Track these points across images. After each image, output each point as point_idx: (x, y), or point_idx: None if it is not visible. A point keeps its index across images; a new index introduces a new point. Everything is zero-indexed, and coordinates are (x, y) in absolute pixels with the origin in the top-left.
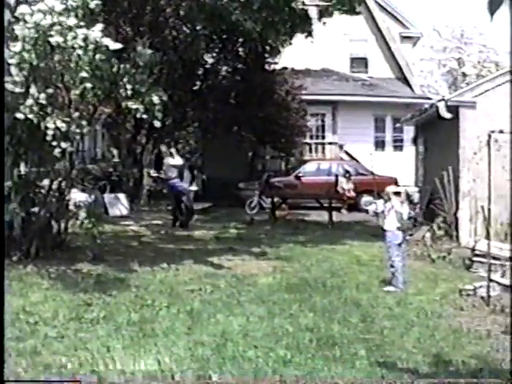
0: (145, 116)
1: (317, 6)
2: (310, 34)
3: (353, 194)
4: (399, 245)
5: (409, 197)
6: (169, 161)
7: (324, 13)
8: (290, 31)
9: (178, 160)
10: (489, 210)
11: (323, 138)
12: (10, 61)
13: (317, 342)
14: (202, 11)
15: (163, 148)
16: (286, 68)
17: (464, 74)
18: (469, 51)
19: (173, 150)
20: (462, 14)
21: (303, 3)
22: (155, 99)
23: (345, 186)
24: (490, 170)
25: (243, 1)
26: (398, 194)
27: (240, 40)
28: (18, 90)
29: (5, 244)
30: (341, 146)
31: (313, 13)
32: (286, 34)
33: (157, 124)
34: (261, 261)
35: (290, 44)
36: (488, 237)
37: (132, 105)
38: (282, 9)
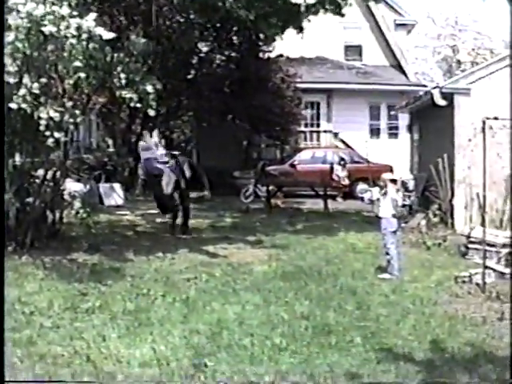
0: (139, 105)
1: (304, 1)
2: (301, 29)
3: (347, 181)
4: (394, 232)
5: (404, 184)
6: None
7: (310, 10)
8: (282, 25)
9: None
10: (484, 196)
11: (318, 126)
12: (4, 50)
13: (312, 330)
14: (196, 0)
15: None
16: (280, 56)
17: (459, 61)
18: (463, 38)
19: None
20: (457, 1)
21: None
22: (149, 88)
23: (340, 173)
24: (484, 156)
25: None
26: (394, 181)
27: (234, 28)
28: (11, 80)
29: (5, 240)
30: (336, 134)
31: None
32: (278, 27)
33: (151, 113)
34: (256, 249)
35: (281, 38)
36: (483, 224)
37: (126, 94)
38: (275, 1)
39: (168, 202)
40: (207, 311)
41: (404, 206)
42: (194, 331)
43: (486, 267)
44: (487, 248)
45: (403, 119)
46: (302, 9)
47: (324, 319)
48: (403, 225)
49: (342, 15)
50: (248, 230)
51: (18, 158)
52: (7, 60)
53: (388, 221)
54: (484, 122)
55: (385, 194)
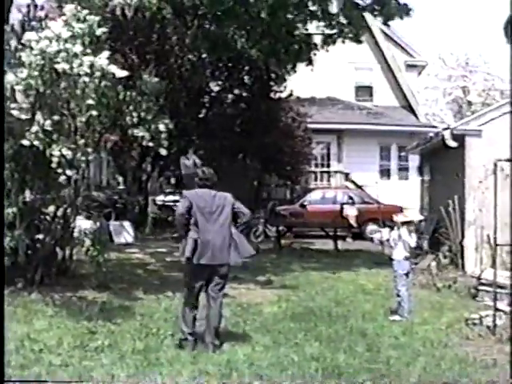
0: (151, 144)
1: (322, 34)
2: (310, 62)
3: (355, 221)
4: (406, 274)
5: (415, 226)
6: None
7: (328, 40)
8: (292, 59)
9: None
10: (495, 238)
11: (328, 166)
12: (17, 87)
13: (322, 372)
14: (207, 39)
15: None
16: (291, 95)
17: (469, 103)
18: (474, 79)
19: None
20: (467, 42)
21: (306, 31)
22: (161, 127)
23: (349, 212)
24: (495, 198)
25: (248, 29)
26: (407, 223)
27: (245, 68)
28: (23, 116)
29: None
30: (347, 175)
31: (317, 40)
32: (288, 62)
33: (163, 152)
34: (266, 289)
35: (294, 72)
36: (494, 265)
37: (138, 133)
38: (284, 37)
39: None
40: (217, 352)
41: (416, 247)
42: (203, 372)
43: (496, 309)
44: (498, 290)
45: (413, 160)
46: (319, 40)
47: (334, 361)
48: (413, 266)
49: (360, 42)
50: (258, 270)
51: (28, 195)
52: (20, 96)
53: (400, 263)
54: (495, 164)
55: (399, 236)
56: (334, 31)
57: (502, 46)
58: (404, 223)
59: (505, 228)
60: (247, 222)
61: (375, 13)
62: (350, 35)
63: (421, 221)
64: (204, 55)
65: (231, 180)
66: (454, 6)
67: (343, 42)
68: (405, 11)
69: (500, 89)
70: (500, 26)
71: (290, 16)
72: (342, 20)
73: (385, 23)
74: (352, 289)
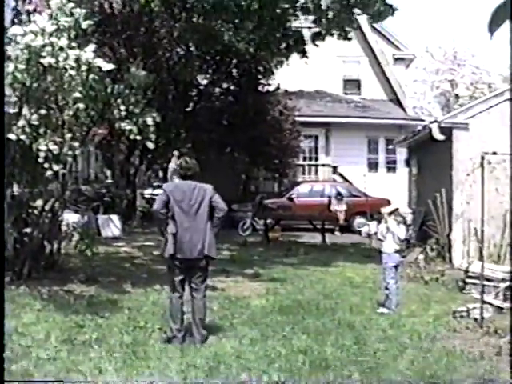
0: (138, 137)
1: (309, 28)
2: (304, 54)
3: (343, 216)
4: (395, 267)
5: (402, 218)
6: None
7: (316, 36)
8: (285, 51)
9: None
10: (482, 231)
11: (316, 159)
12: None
13: (310, 365)
14: (196, 32)
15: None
16: (278, 88)
17: (457, 96)
18: (462, 73)
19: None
20: (455, 36)
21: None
22: (149, 120)
23: (337, 207)
24: (483, 191)
25: (237, 22)
26: (393, 212)
27: (233, 61)
28: (11, 110)
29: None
30: (334, 168)
31: (306, 35)
32: (281, 55)
33: (150, 145)
34: (254, 282)
35: (287, 65)
36: (481, 258)
37: (126, 126)
38: (277, 29)
39: None
40: (204, 345)
41: (404, 240)
42: (191, 365)
43: (483, 302)
44: (485, 283)
45: (401, 153)
46: (307, 36)
47: (322, 354)
48: (402, 259)
49: (349, 39)
50: (246, 264)
51: (16, 188)
52: (7, 90)
53: (390, 256)
54: (483, 157)
55: (387, 229)
56: (322, 28)
57: (490, 40)
58: (390, 213)
59: (491, 221)
60: (222, 217)
61: (359, 12)
62: (338, 32)
63: (411, 213)
64: (192, 48)
65: (219, 173)
66: None
67: (332, 36)
68: (390, 12)
69: (488, 82)
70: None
71: (280, 9)
72: (331, 15)
73: (371, 24)
74: (340, 282)
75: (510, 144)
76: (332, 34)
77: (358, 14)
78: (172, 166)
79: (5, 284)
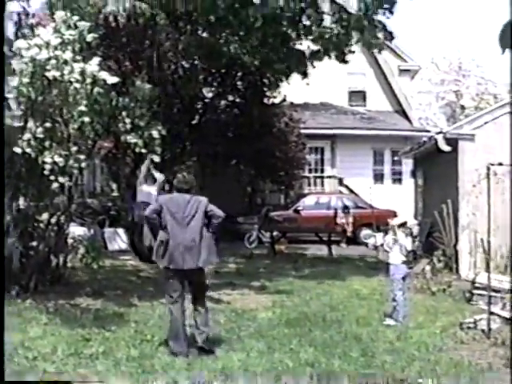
0: (144, 150)
1: (308, 47)
2: (305, 75)
3: (351, 228)
4: (403, 278)
5: (409, 230)
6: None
7: (314, 55)
8: (287, 70)
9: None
10: (488, 242)
11: (322, 171)
12: (8, 95)
13: (317, 378)
14: (201, 46)
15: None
16: (284, 101)
17: (462, 107)
18: (467, 83)
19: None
20: (460, 46)
21: (300, 45)
22: (154, 133)
23: (344, 220)
24: (489, 202)
25: (242, 35)
26: (402, 225)
27: (238, 74)
28: (16, 123)
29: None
30: (340, 180)
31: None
32: (283, 73)
33: (156, 159)
34: (260, 295)
35: (288, 83)
36: (488, 269)
37: (131, 139)
38: (279, 48)
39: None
40: (211, 358)
41: (410, 251)
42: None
43: (491, 313)
44: (492, 294)
45: (407, 164)
46: (307, 55)
47: (329, 366)
48: (409, 270)
49: (346, 62)
50: (252, 276)
51: (22, 202)
52: (13, 104)
53: (397, 267)
54: (488, 168)
55: (394, 240)
56: (320, 48)
57: (495, 50)
58: (400, 226)
59: (498, 232)
60: (219, 224)
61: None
62: (335, 53)
63: (417, 224)
64: (197, 61)
65: (225, 186)
66: (446, 9)
67: (329, 59)
68: (388, 38)
69: (493, 93)
70: (492, 29)
71: (283, 29)
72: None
73: (368, 49)
74: (346, 294)
75: (510, 155)
76: (330, 56)
77: (357, 42)
78: (143, 170)
79: (11, 298)
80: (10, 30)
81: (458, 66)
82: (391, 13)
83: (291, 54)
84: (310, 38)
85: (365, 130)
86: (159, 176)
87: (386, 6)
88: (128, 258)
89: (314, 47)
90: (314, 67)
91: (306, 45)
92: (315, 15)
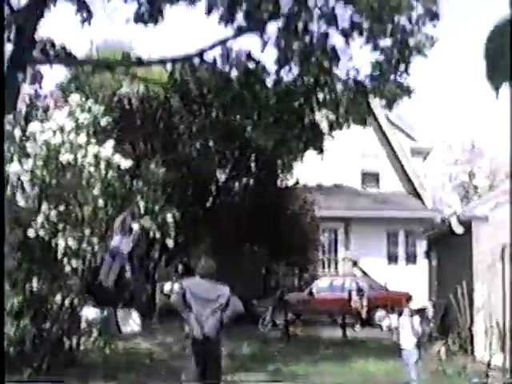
0: (158, 235)
1: (326, 117)
2: (321, 150)
3: (365, 312)
4: (416, 362)
5: (423, 312)
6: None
7: (334, 126)
8: (303, 148)
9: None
10: (504, 324)
11: (336, 252)
12: (23, 177)
13: None
14: (215, 128)
15: None
16: (297, 183)
17: (475, 187)
18: (480, 163)
19: None
20: (472, 126)
21: (314, 119)
22: (168, 217)
23: (358, 303)
24: (503, 283)
25: (255, 119)
26: (421, 310)
27: (252, 156)
28: (30, 206)
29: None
30: (355, 262)
31: (323, 126)
32: (298, 151)
33: (170, 243)
34: (276, 381)
35: (301, 162)
36: (503, 350)
37: (145, 223)
38: (295, 125)
39: None
40: None
41: (424, 333)
42: None
43: None
44: (508, 375)
45: (421, 245)
46: (325, 128)
47: None
48: (423, 353)
49: (366, 123)
50: (267, 360)
51: (35, 284)
52: (27, 187)
53: (410, 352)
54: (503, 249)
55: (409, 323)
56: (339, 116)
57: (508, 128)
58: (418, 311)
59: None
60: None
61: (375, 94)
62: (356, 119)
63: (431, 306)
64: (211, 144)
65: (239, 268)
66: (456, 88)
67: (348, 126)
68: (406, 92)
69: (507, 171)
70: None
71: (297, 103)
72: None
73: (388, 106)
74: (361, 377)
75: (510, 239)
76: (349, 123)
77: (374, 96)
78: (120, 218)
79: (24, 379)
80: (22, 111)
81: (470, 146)
82: (408, 74)
83: (307, 128)
84: (326, 109)
85: (378, 212)
86: (135, 227)
87: (401, 69)
88: (141, 341)
89: (332, 116)
90: (333, 138)
91: (319, 115)
92: (329, 83)
